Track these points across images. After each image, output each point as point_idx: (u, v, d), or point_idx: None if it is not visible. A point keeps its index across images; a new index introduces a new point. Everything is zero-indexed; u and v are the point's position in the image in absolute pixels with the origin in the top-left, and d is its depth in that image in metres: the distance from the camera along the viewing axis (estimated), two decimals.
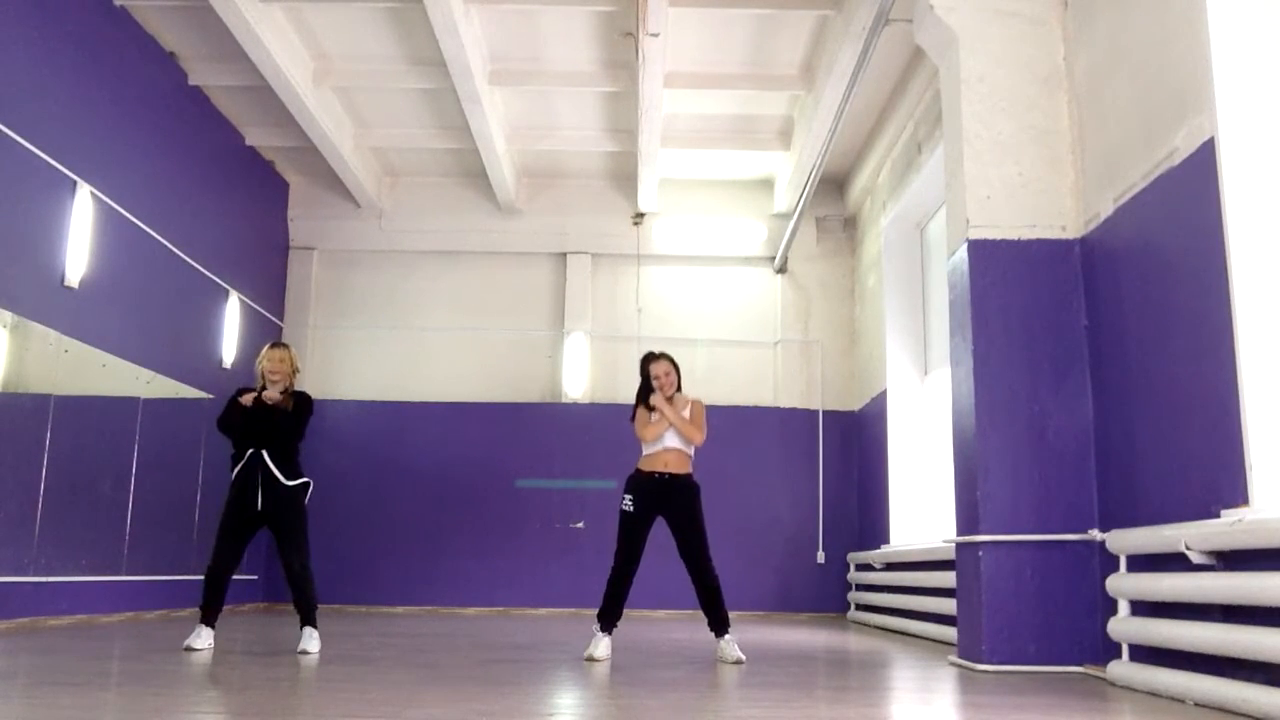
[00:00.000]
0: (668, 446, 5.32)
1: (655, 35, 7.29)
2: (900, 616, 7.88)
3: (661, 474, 5.30)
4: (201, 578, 5.29)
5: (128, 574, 7.69)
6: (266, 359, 5.44)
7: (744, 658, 5.19)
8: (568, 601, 9.93)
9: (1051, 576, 4.92)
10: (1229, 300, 3.87)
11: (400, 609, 9.99)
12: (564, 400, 10.60)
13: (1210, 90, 4.02)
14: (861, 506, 10.18)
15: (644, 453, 5.38)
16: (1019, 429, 5.06)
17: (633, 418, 5.46)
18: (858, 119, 8.95)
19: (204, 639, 5.17)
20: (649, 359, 5.49)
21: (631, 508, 5.25)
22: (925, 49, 5.95)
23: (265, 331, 10.28)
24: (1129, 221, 4.74)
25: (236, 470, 5.28)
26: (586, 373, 10.62)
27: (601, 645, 5.18)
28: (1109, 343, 4.91)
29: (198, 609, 5.30)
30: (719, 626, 5.27)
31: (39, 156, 6.64)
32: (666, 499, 5.29)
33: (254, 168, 10.14)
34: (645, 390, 5.42)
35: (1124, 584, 4.38)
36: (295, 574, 5.25)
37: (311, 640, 5.20)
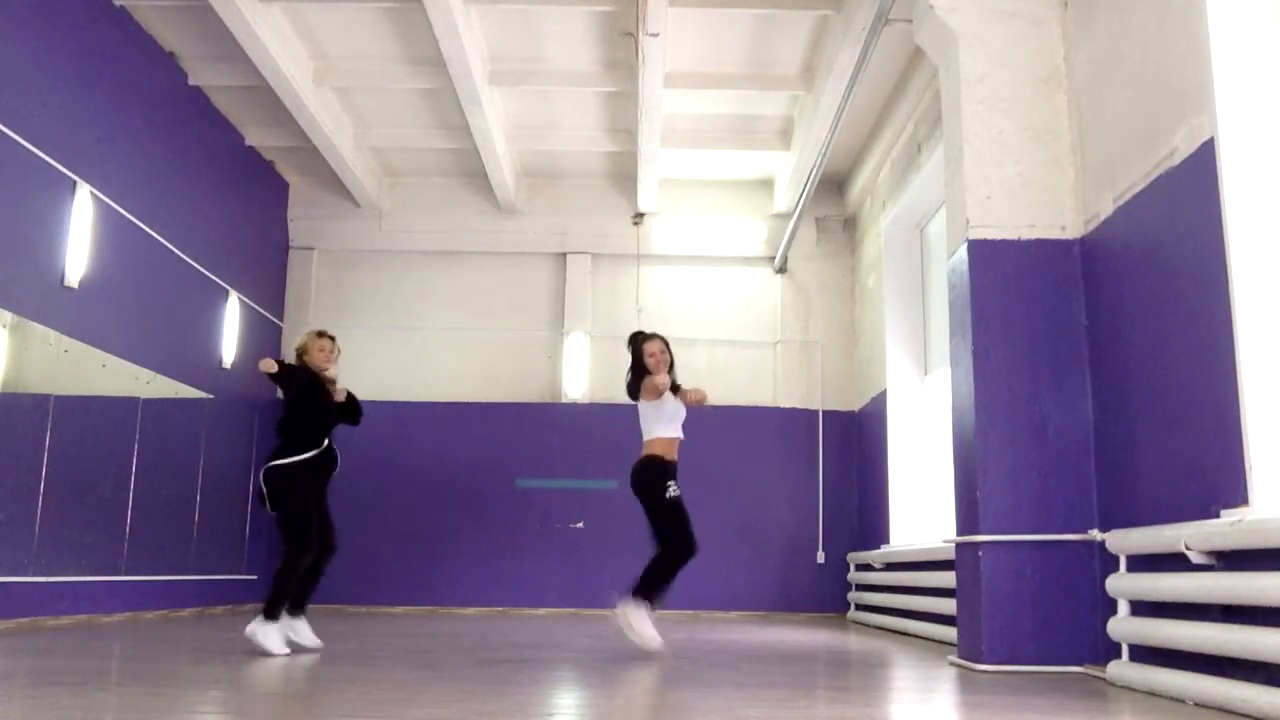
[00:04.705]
0: (682, 439, 5.58)
1: (655, 35, 7.29)
2: (900, 616, 7.88)
3: (676, 462, 5.57)
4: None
5: (128, 574, 7.69)
6: (322, 348, 5.41)
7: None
8: (568, 601, 9.92)
9: (1051, 576, 4.92)
10: (1229, 300, 3.87)
11: (400, 609, 9.98)
12: (564, 400, 10.60)
13: (1210, 90, 4.02)
14: (861, 506, 10.18)
15: (667, 437, 5.48)
16: (1019, 429, 5.06)
17: (636, 387, 5.54)
18: (858, 119, 8.95)
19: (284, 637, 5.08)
20: (642, 338, 5.63)
21: (679, 491, 5.41)
22: (925, 49, 5.95)
23: (265, 331, 10.28)
24: (1129, 221, 4.74)
25: (308, 457, 5.22)
26: (586, 373, 10.62)
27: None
28: (1109, 343, 4.91)
29: (267, 605, 5.05)
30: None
31: (39, 156, 6.64)
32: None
33: (254, 168, 10.14)
34: (638, 368, 5.56)
35: (1124, 584, 4.38)
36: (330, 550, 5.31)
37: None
